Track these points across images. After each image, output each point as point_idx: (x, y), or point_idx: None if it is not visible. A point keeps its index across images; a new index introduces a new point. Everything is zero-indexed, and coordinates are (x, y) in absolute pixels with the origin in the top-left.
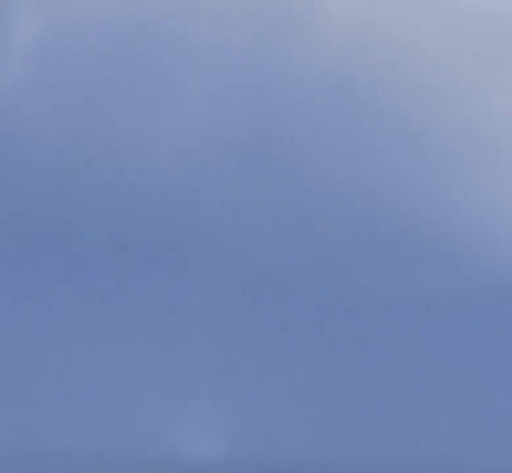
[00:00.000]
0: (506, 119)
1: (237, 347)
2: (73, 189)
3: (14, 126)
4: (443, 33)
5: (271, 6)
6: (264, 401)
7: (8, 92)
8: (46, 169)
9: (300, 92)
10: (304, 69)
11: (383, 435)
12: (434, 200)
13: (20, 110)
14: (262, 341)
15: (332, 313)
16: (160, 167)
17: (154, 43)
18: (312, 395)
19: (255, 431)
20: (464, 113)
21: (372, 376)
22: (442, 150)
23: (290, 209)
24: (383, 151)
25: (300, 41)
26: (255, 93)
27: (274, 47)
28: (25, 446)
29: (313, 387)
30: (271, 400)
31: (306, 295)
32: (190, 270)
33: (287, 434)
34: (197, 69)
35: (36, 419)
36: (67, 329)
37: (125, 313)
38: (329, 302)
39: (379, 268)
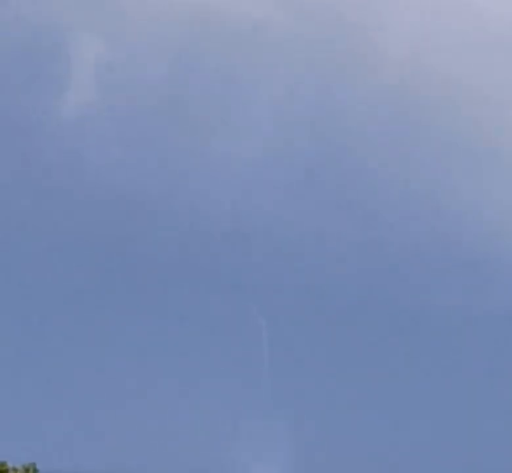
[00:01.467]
0: None
1: (290, 369)
2: (132, 219)
3: (77, 155)
4: (495, 70)
5: (334, 49)
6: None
7: (72, 121)
8: (106, 197)
9: (357, 122)
10: (360, 103)
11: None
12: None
13: (83, 138)
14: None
15: (387, 330)
16: (221, 192)
17: (214, 75)
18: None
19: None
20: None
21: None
22: (492, 178)
23: (352, 230)
24: (438, 173)
25: (359, 80)
26: (318, 123)
27: (335, 84)
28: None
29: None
30: (328, 425)
31: (366, 310)
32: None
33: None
34: (261, 101)
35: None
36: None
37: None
38: (385, 318)
39: (437, 288)
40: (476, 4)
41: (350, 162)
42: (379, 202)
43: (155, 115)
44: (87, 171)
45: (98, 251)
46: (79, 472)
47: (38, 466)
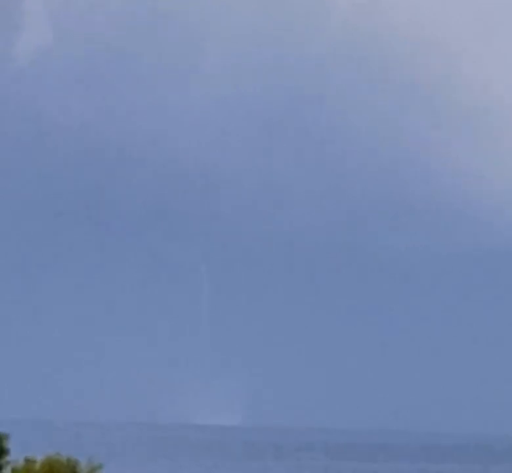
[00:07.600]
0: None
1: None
2: (100, 159)
3: (36, 94)
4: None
5: None
6: (276, 372)
7: (28, 66)
8: (72, 136)
9: (312, 63)
10: (315, 44)
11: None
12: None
13: (40, 83)
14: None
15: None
16: (183, 137)
17: (179, 14)
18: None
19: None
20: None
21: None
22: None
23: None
24: (390, 115)
25: (311, 21)
26: (271, 70)
27: (287, 25)
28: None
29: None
30: (283, 371)
31: (328, 252)
32: (206, 235)
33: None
34: (217, 45)
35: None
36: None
37: (137, 277)
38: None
39: (401, 230)
40: None
41: (314, 111)
42: (341, 151)
43: (120, 59)
44: (44, 115)
45: (60, 194)
46: None
47: None
